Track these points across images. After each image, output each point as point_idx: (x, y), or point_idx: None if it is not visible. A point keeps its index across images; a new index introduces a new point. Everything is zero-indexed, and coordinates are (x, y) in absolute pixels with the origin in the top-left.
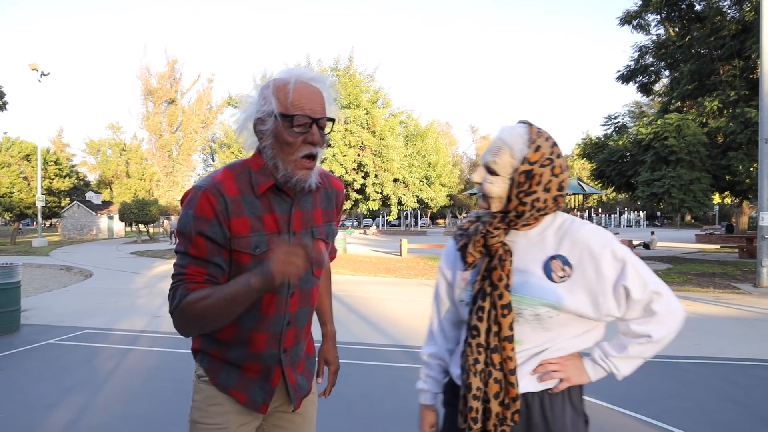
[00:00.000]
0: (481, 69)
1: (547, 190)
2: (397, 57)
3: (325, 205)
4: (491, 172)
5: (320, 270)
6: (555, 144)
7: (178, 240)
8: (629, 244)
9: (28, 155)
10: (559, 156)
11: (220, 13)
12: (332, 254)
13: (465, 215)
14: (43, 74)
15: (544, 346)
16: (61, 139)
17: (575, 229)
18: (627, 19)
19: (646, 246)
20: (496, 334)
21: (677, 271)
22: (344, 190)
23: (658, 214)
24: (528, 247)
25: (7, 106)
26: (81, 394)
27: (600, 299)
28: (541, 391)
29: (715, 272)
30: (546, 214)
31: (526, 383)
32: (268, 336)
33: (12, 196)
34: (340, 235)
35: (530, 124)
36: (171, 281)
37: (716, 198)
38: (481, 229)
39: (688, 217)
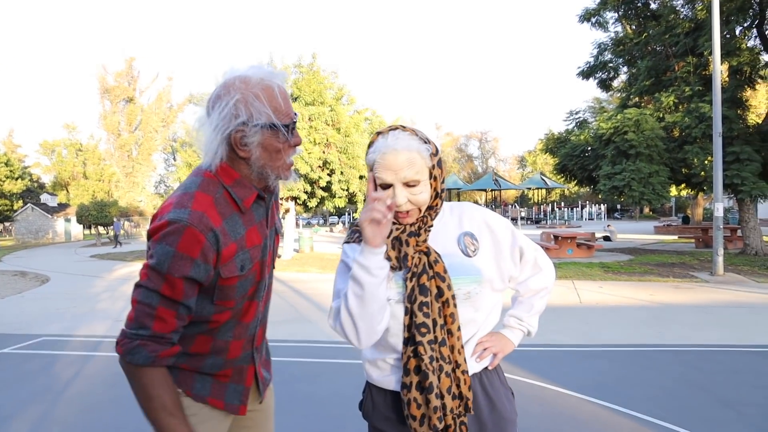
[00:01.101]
0: (444, 65)
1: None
2: (360, 55)
3: (274, 198)
4: (412, 185)
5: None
6: None
7: (148, 274)
8: (591, 236)
9: None
10: None
11: (179, 11)
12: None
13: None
14: None
15: (476, 326)
16: (12, 139)
17: (465, 207)
18: (586, 16)
19: (607, 238)
20: (442, 327)
21: (638, 261)
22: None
23: (618, 207)
24: (436, 235)
25: None
26: (40, 405)
27: (501, 264)
28: (479, 371)
29: (674, 262)
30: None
31: (469, 366)
32: (244, 341)
33: None
34: (307, 233)
35: (404, 126)
36: (133, 317)
37: (673, 190)
38: (416, 229)
39: (646, 210)
